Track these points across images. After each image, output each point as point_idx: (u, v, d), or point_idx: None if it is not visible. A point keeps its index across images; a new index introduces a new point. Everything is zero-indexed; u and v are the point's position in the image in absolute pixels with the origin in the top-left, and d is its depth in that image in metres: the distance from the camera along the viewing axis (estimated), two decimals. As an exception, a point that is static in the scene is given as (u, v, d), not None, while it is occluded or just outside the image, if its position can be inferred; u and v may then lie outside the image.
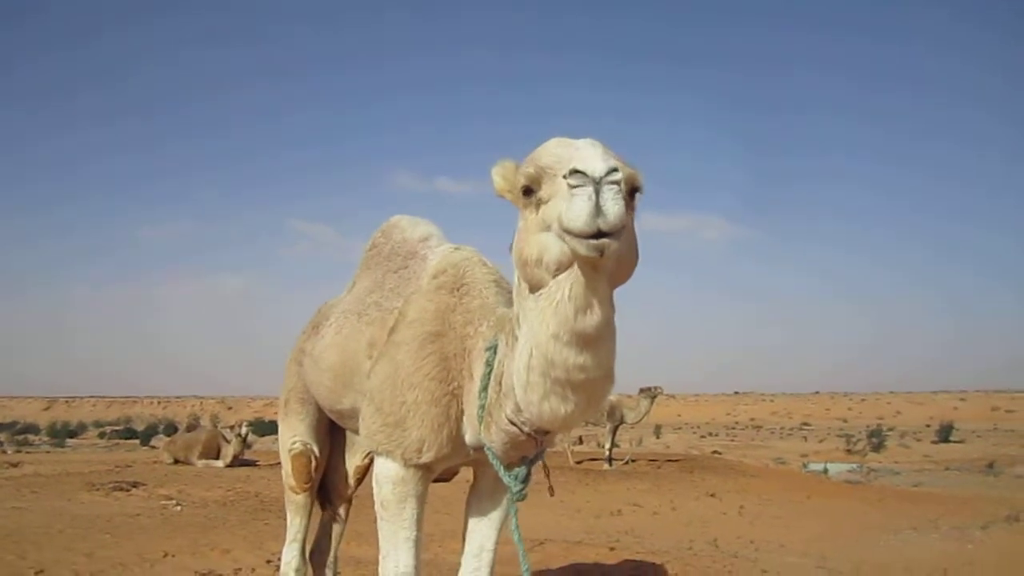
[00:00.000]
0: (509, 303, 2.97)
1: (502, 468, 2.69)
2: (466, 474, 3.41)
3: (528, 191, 2.09)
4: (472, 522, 3.25)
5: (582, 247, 1.90)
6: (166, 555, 6.38)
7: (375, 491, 2.97)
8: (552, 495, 2.91)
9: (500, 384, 2.52)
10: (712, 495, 13.08)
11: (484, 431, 2.65)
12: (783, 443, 55.07)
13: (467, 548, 3.24)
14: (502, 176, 2.24)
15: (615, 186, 1.89)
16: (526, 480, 2.74)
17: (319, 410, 3.86)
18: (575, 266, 2.00)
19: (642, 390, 16.29)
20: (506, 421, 2.50)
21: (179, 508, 9.36)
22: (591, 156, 1.92)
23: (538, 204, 2.06)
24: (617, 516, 10.83)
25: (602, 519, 10.43)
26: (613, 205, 1.87)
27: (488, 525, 3.23)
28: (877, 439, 44.60)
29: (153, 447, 19.51)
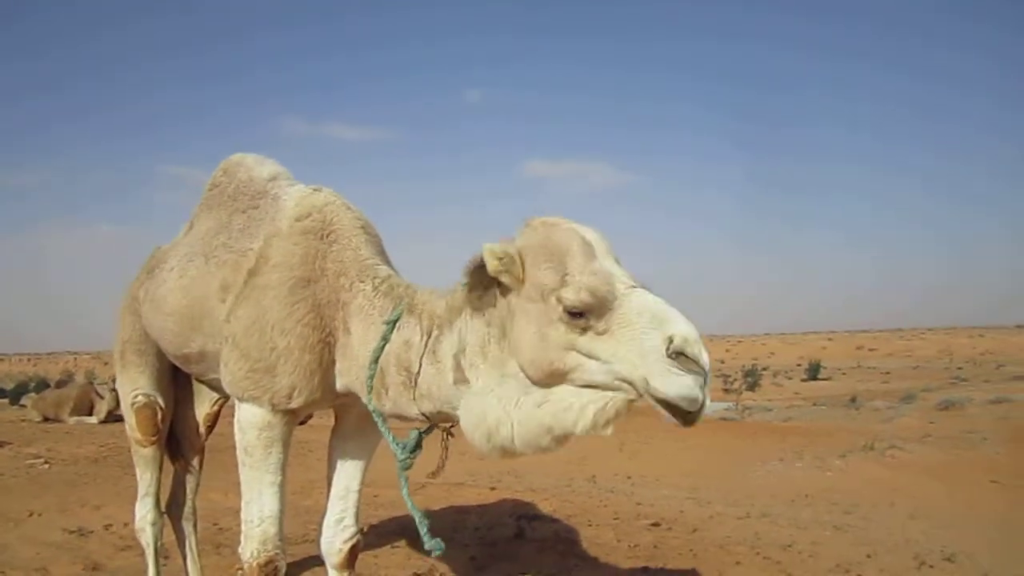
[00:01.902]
0: (380, 252, 3.02)
1: (391, 436, 2.79)
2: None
3: (578, 315, 2.18)
4: (336, 464, 3.27)
5: (670, 417, 2.12)
6: (32, 514, 6.13)
7: (238, 437, 2.93)
8: (436, 476, 2.95)
9: (406, 372, 2.63)
10: (594, 435, 13.46)
11: (375, 399, 2.72)
12: (665, 384, 56.89)
13: (333, 491, 3.26)
14: (505, 267, 2.31)
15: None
16: (415, 449, 2.81)
17: (160, 359, 3.75)
18: (613, 395, 2.20)
19: None
20: (416, 412, 2.67)
21: (47, 466, 8.98)
22: (702, 347, 2.09)
23: (584, 328, 2.18)
24: (501, 458, 11.04)
25: (485, 461, 10.58)
26: (708, 398, 2.11)
27: (353, 466, 3.26)
28: (752, 378, 46.81)
29: (22, 405, 18.55)
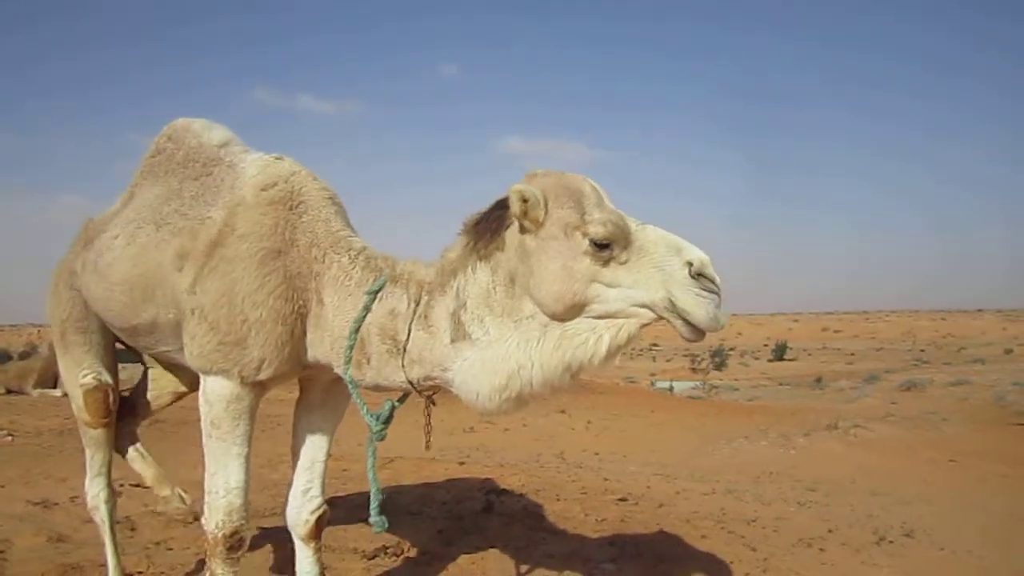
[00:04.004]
0: (348, 224, 3.02)
1: (365, 408, 2.80)
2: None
3: (604, 246, 2.34)
4: (302, 435, 3.25)
5: (689, 333, 2.32)
6: (-5, 486, 6.08)
7: (204, 410, 2.90)
8: (427, 448, 3.00)
9: (391, 340, 2.65)
10: (562, 412, 13.56)
11: (353, 369, 2.72)
12: (633, 363, 57.45)
13: (299, 462, 3.24)
14: (528, 207, 2.41)
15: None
16: (388, 421, 2.85)
17: (104, 334, 3.60)
18: (625, 321, 2.37)
19: None
20: (403, 380, 2.67)
21: (10, 438, 8.87)
22: (714, 270, 2.30)
23: (608, 260, 2.34)
24: (469, 433, 11.09)
25: (455, 436, 10.65)
26: (725, 318, 2.31)
27: (319, 438, 3.24)
28: (719, 358, 47.43)
29: (-17, 378, 18.29)
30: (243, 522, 2.93)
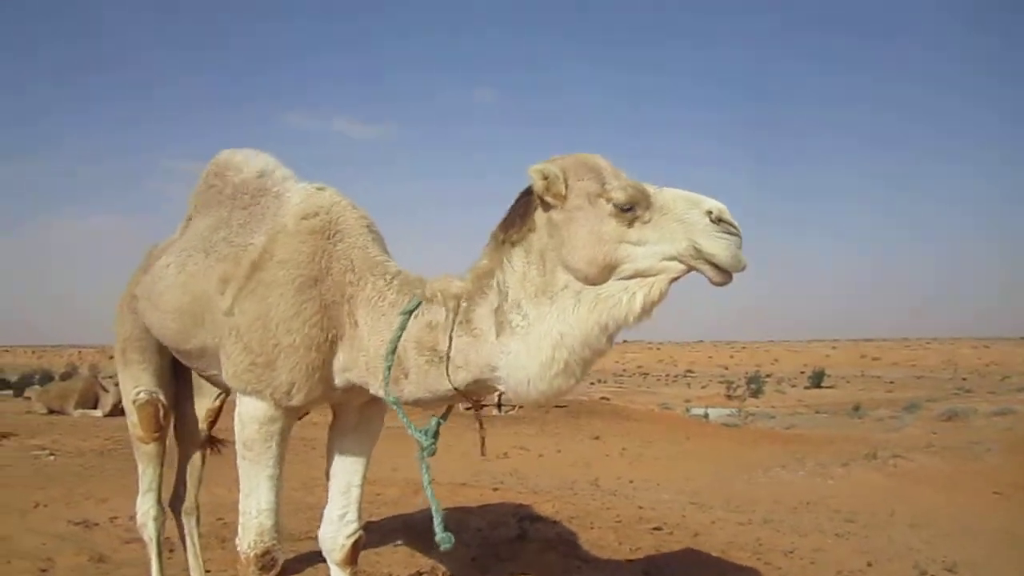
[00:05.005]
0: (385, 251, 3.09)
1: (411, 425, 2.85)
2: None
3: (627, 209, 2.46)
4: (337, 460, 3.29)
5: (717, 276, 2.44)
6: (38, 505, 6.18)
7: (237, 430, 2.96)
8: (483, 455, 3.05)
9: (430, 352, 2.70)
10: (596, 438, 13.50)
11: (392, 386, 2.75)
12: (668, 389, 57.09)
13: (334, 486, 3.28)
14: (550, 183, 2.53)
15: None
16: (436, 436, 2.88)
17: (161, 354, 3.77)
18: (655, 278, 2.47)
19: None
20: (447, 388, 2.70)
21: (53, 458, 9.04)
22: (730, 214, 2.45)
23: (632, 220, 2.46)
24: (503, 459, 11.07)
25: (488, 462, 10.63)
26: (746, 260, 2.44)
27: (354, 462, 3.29)
28: (755, 385, 46.88)
29: (27, 398, 18.62)
30: (274, 543, 2.97)
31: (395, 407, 2.80)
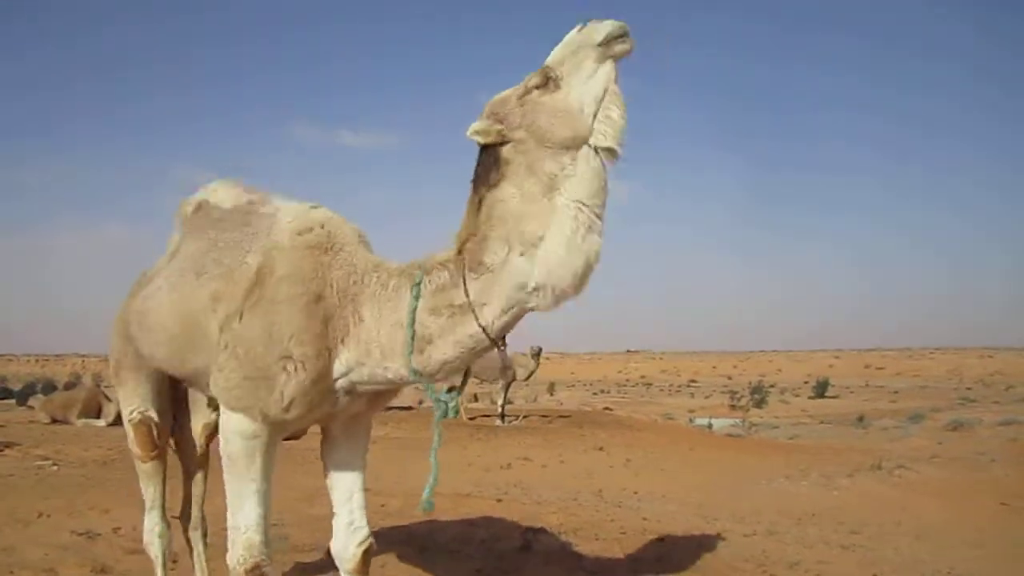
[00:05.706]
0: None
1: (430, 389, 2.87)
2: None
3: (547, 81, 2.61)
4: (334, 471, 3.30)
5: (618, 31, 2.59)
6: (41, 515, 6.17)
7: (222, 445, 2.96)
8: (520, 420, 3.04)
9: (448, 307, 2.71)
10: (600, 449, 13.46)
11: (416, 356, 2.75)
12: (671, 399, 57.04)
13: (335, 497, 3.29)
14: (490, 126, 2.65)
15: None
16: (454, 394, 2.93)
17: (155, 375, 3.78)
18: (595, 79, 2.61)
19: (531, 349, 17.91)
20: (476, 329, 2.69)
21: (56, 468, 9.04)
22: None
23: (557, 81, 2.61)
24: (507, 470, 11.04)
25: (491, 473, 10.61)
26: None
27: (351, 471, 3.30)
28: (759, 395, 46.67)
29: (30, 407, 18.65)
30: (264, 557, 2.95)
31: (418, 380, 2.79)
